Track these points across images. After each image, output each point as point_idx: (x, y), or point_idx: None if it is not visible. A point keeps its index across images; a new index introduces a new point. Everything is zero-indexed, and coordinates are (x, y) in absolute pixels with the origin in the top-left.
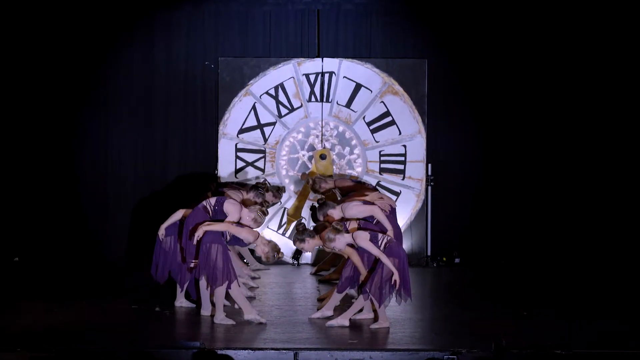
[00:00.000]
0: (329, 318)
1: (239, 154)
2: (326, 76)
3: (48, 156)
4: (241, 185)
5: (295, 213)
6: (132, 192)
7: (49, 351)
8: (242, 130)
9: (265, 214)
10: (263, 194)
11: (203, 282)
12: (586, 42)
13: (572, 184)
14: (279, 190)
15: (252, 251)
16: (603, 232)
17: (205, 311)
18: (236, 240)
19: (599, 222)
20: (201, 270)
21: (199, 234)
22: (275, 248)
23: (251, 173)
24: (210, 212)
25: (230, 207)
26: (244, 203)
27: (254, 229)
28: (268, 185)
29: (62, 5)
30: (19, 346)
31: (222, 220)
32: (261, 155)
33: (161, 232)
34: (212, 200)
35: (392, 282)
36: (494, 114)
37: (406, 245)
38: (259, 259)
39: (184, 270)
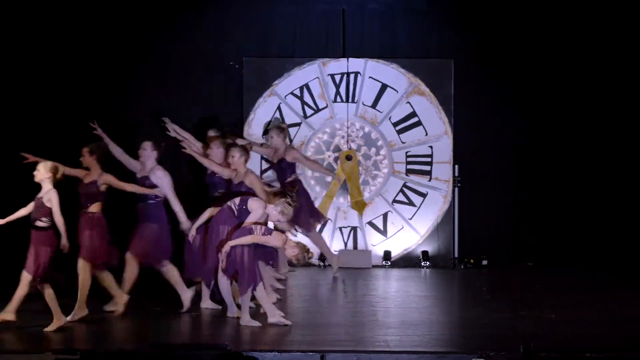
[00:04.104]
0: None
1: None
2: (352, 76)
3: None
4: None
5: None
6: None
7: (73, 353)
8: (267, 131)
9: (292, 205)
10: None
11: (226, 285)
12: (615, 41)
13: (600, 185)
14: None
15: None
16: (631, 233)
17: (231, 313)
18: (264, 245)
19: (627, 223)
20: (228, 271)
21: (226, 249)
22: (304, 249)
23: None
24: (235, 211)
25: (255, 204)
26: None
27: (282, 234)
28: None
29: (91, 4)
30: (45, 348)
31: (242, 223)
32: None
33: (192, 233)
34: (237, 200)
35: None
36: (522, 114)
37: (433, 247)
38: (289, 263)
39: (210, 271)
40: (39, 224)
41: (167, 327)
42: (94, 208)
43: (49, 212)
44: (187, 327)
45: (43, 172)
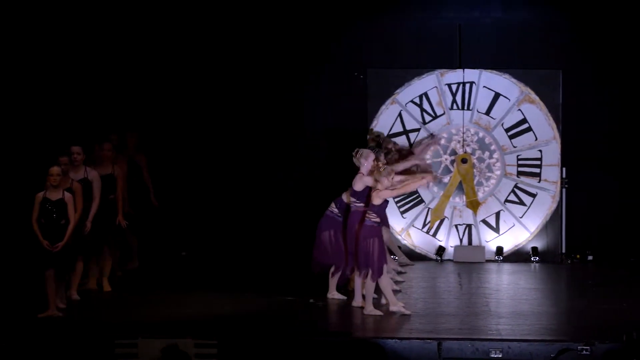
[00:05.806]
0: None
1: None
2: (467, 86)
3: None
4: None
5: (439, 212)
6: (286, 193)
7: (211, 339)
8: (389, 136)
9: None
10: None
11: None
12: None
13: None
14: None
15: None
16: None
17: (356, 303)
18: (379, 209)
19: None
20: (360, 264)
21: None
22: (429, 170)
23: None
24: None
25: (355, 181)
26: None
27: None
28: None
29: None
30: (185, 334)
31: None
32: None
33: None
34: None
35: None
36: (626, 120)
37: (542, 243)
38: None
39: (338, 263)
40: None
41: (298, 316)
42: None
43: None
44: (316, 316)
45: None
